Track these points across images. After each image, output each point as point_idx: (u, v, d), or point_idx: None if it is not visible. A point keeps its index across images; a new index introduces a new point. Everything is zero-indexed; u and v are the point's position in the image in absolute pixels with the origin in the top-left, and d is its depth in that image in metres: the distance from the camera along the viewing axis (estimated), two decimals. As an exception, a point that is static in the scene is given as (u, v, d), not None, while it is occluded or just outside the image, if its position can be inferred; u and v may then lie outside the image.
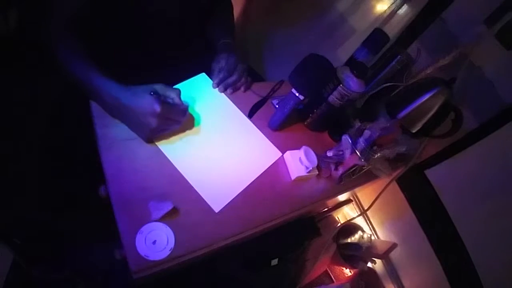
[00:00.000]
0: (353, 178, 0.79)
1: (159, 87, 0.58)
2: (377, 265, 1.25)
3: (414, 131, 0.79)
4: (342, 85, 0.72)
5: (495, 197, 0.83)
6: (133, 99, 0.56)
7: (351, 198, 1.24)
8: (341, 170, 0.76)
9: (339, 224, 1.19)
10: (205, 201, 0.59)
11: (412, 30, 0.91)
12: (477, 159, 0.85)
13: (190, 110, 0.70)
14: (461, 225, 0.91)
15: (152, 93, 0.56)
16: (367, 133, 0.71)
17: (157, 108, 0.55)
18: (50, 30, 0.62)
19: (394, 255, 1.17)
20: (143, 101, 0.55)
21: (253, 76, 0.86)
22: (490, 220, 0.86)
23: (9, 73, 0.96)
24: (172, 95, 0.60)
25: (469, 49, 0.76)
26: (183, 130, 0.66)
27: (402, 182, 1.03)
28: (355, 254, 1.19)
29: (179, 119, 0.61)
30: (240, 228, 0.59)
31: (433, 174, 0.95)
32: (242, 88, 0.82)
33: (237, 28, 0.97)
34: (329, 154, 0.77)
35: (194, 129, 0.69)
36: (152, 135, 0.61)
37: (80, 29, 0.64)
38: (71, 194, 0.80)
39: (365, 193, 1.21)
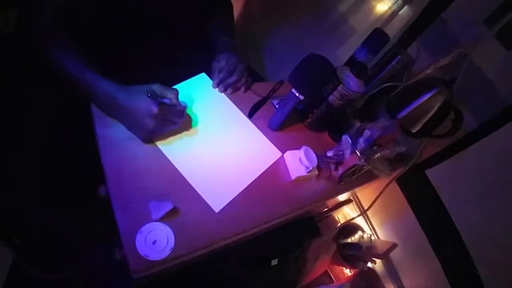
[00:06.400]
0: (353, 178, 0.79)
1: (156, 87, 0.57)
2: (377, 265, 1.25)
3: (414, 131, 0.79)
4: (342, 85, 0.72)
5: (495, 197, 0.83)
6: (130, 99, 0.55)
7: (351, 198, 1.24)
8: (341, 170, 0.76)
9: (339, 224, 1.19)
10: (205, 201, 0.59)
11: (412, 30, 0.91)
12: (477, 159, 0.85)
13: (190, 111, 0.70)
14: (461, 225, 0.91)
15: (149, 94, 0.55)
16: (367, 133, 0.71)
17: (154, 109, 0.54)
18: (39, 24, 0.60)
19: (394, 255, 1.17)
20: (140, 102, 0.55)
21: (253, 76, 0.86)
22: (490, 219, 0.86)
23: (9, 73, 0.96)
24: (170, 95, 0.59)
25: (469, 49, 0.75)
26: (183, 130, 0.66)
27: (402, 182, 1.03)
28: (355, 254, 1.19)
29: (176, 120, 0.60)
30: (240, 228, 0.59)
31: (433, 174, 0.95)
32: (242, 89, 0.82)
33: (237, 28, 0.97)
34: (329, 154, 0.77)
35: (194, 129, 0.69)
36: (150, 136, 0.60)
37: (72, 25, 0.62)
38: (71, 194, 0.80)
39: (365, 193, 1.21)
